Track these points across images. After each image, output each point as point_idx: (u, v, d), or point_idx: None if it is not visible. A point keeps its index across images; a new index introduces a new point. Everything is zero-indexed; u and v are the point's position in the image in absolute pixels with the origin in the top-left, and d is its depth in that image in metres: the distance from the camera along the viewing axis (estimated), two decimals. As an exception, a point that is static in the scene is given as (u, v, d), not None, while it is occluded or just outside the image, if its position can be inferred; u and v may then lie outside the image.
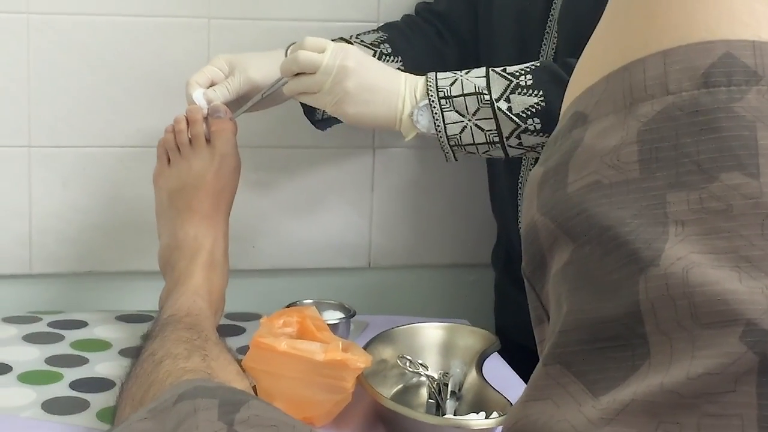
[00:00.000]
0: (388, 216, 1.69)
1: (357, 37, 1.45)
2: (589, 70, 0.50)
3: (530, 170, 1.45)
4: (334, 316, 1.37)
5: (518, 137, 1.25)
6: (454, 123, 1.26)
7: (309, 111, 1.46)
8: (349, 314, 1.39)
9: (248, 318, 1.50)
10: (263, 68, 1.35)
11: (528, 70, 1.26)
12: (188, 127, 1.34)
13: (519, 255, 1.67)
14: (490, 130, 1.25)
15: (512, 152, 1.27)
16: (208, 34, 1.55)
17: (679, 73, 0.45)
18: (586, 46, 0.52)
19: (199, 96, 1.33)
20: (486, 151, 1.28)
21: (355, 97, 1.26)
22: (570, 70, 1.24)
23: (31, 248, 1.56)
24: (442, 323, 1.31)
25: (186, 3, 1.54)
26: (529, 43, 1.40)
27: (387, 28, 1.52)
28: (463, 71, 1.28)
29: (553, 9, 1.37)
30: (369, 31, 1.48)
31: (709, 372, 0.41)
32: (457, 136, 1.26)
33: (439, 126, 1.26)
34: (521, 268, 0.52)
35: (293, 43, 1.33)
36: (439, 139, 1.27)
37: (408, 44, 1.46)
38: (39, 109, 1.52)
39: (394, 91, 1.28)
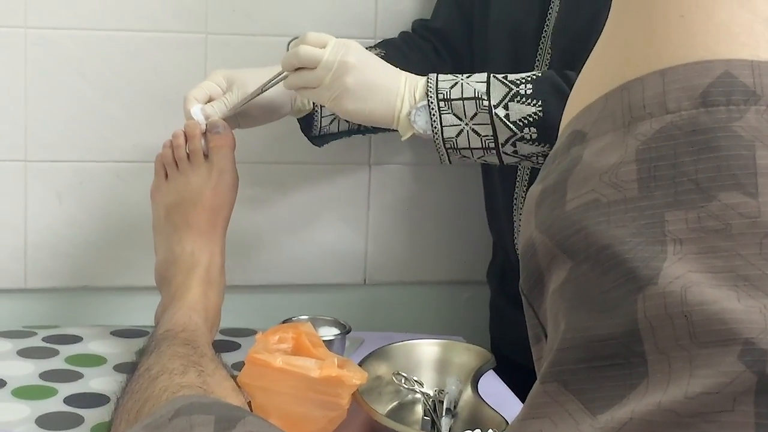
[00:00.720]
0: (384, 232, 1.69)
1: None
2: (587, 88, 0.50)
3: (526, 187, 1.46)
4: (329, 333, 1.37)
5: (514, 145, 1.25)
6: (451, 126, 1.26)
7: (306, 127, 1.46)
8: (345, 330, 1.39)
9: (243, 334, 1.50)
10: (261, 84, 1.35)
11: (529, 79, 1.26)
12: (186, 143, 1.34)
13: (515, 272, 1.66)
14: (486, 136, 1.25)
15: (507, 159, 1.27)
16: (205, 49, 1.55)
17: (677, 92, 0.45)
18: (585, 64, 0.52)
19: (197, 111, 1.33)
20: (481, 157, 1.28)
21: (355, 94, 1.26)
22: (570, 82, 1.24)
23: (26, 263, 1.55)
24: (437, 340, 1.30)
25: (183, 18, 1.54)
26: (522, 59, 1.40)
27: (384, 44, 1.52)
28: (465, 75, 1.28)
29: (547, 26, 1.38)
30: (367, 48, 1.48)
31: (707, 391, 0.41)
32: (453, 139, 1.26)
33: (436, 128, 1.26)
34: (519, 285, 0.52)
35: (295, 38, 1.32)
36: (435, 140, 1.27)
37: (405, 61, 1.46)
38: (35, 123, 1.52)
39: (394, 89, 1.27)
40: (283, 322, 1.36)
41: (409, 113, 1.27)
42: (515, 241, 1.50)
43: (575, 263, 0.46)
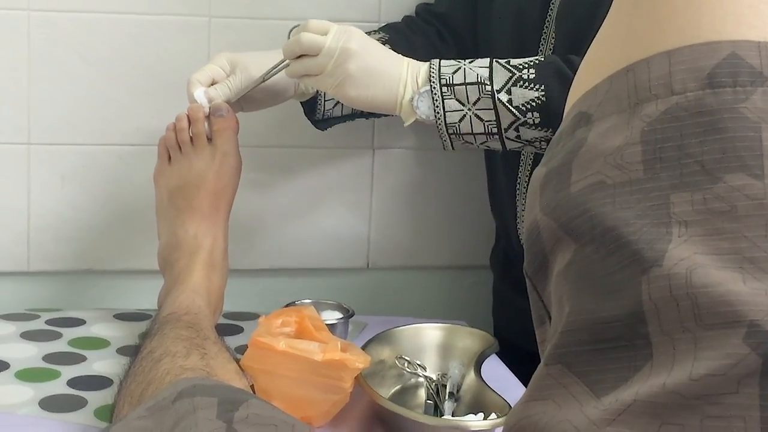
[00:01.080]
0: (387, 217, 1.69)
1: None
2: (592, 70, 0.50)
3: (529, 171, 1.46)
4: (332, 317, 1.37)
5: (516, 130, 1.25)
6: (453, 111, 1.26)
7: (309, 111, 1.46)
8: (348, 314, 1.39)
9: (246, 317, 1.50)
10: (265, 67, 1.35)
11: (531, 63, 1.25)
12: (189, 126, 1.33)
13: (517, 256, 1.67)
14: (489, 121, 1.25)
15: (510, 145, 1.27)
16: (208, 32, 1.55)
17: (683, 74, 0.45)
18: (590, 46, 0.51)
19: (200, 94, 1.33)
20: (483, 142, 1.28)
21: (357, 80, 1.26)
22: (573, 67, 1.24)
23: (30, 246, 1.55)
24: (440, 324, 1.31)
25: (187, 1, 1.54)
26: (526, 43, 1.40)
27: (388, 29, 1.52)
28: (467, 60, 1.27)
29: (551, 10, 1.38)
30: (370, 32, 1.48)
31: (712, 373, 0.40)
32: (456, 125, 1.26)
33: (438, 113, 1.26)
34: (523, 267, 0.52)
35: (296, 26, 1.32)
36: (438, 126, 1.27)
37: (409, 45, 1.46)
38: (38, 106, 1.51)
39: (396, 75, 1.27)
40: (287, 305, 1.36)
41: (412, 99, 1.27)
42: (518, 225, 1.50)
43: (580, 245, 0.46)
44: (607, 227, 0.45)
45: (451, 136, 1.28)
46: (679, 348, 0.42)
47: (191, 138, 1.34)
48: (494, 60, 1.27)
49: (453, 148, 1.30)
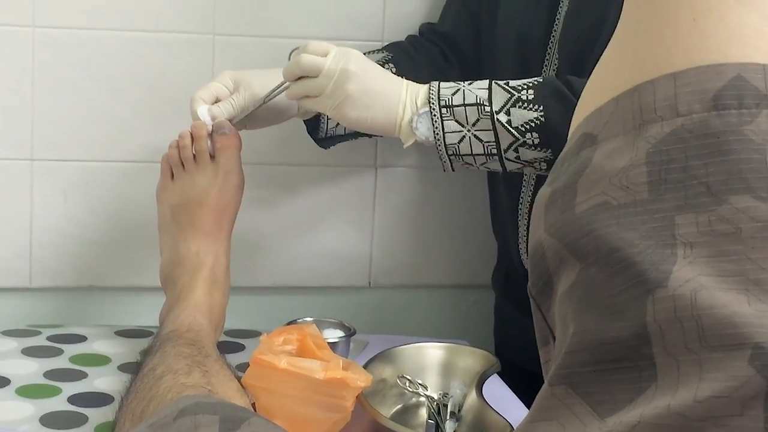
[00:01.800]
0: (389, 235, 1.69)
1: None
2: (598, 91, 0.50)
3: (531, 191, 1.46)
4: (334, 335, 1.37)
5: (516, 150, 1.25)
6: (453, 132, 1.26)
7: (312, 129, 1.46)
8: (349, 333, 1.38)
9: (248, 335, 1.50)
10: (269, 85, 1.35)
11: (530, 85, 1.26)
12: (192, 143, 1.34)
13: (519, 276, 1.66)
14: (489, 142, 1.25)
15: (510, 166, 1.27)
16: (212, 50, 1.55)
17: (689, 96, 0.45)
18: (595, 67, 0.51)
19: (203, 112, 1.33)
20: (483, 163, 1.28)
21: (356, 101, 1.26)
22: (572, 88, 1.23)
23: (32, 261, 1.55)
24: (442, 343, 1.30)
25: (191, 19, 1.54)
26: (530, 63, 1.40)
27: (392, 47, 1.52)
28: (467, 82, 1.28)
29: (554, 30, 1.38)
30: (374, 51, 1.48)
31: (717, 395, 0.40)
32: (456, 146, 1.26)
33: (438, 134, 1.26)
34: (527, 287, 0.52)
35: (296, 48, 1.33)
36: (438, 147, 1.27)
37: (412, 64, 1.46)
38: (42, 122, 1.52)
39: (395, 96, 1.28)
40: (288, 323, 1.36)
41: (411, 120, 1.27)
42: (519, 246, 1.50)
43: (584, 266, 0.46)
44: (611, 248, 0.45)
45: (451, 157, 1.28)
46: (683, 369, 0.42)
47: (194, 155, 1.34)
48: (493, 81, 1.27)
49: (453, 170, 1.30)
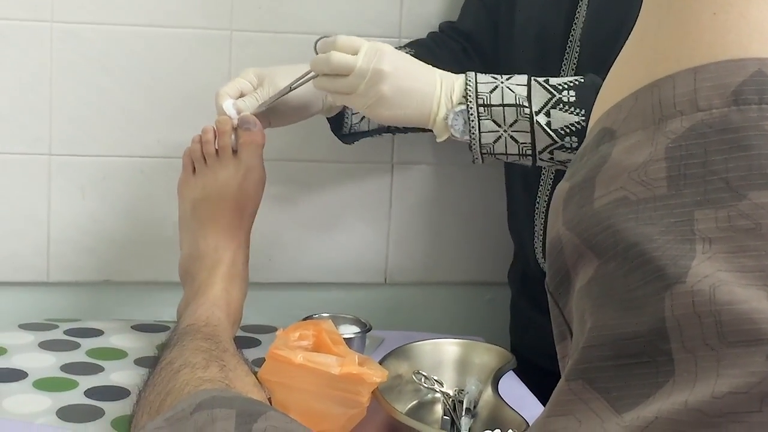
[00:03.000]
0: (406, 232, 1.69)
1: None
2: (617, 86, 0.50)
3: (549, 191, 1.45)
4: (350, 331, 1.37)
5: (551, 153, 1.23)
6: (489, 132, 1.24)
7: (335, 125, 1.46)
8: (365, 329, 1.39)
9: (264, 330, 1.50)
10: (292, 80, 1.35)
11: (572, 85, 1.23)
12: (215, 138, 1.34)
13: (535, 274, 1.65)
14: (525, 143, 1.23)
15: (542, 164, 1.26)
16: (230, 46, 1.55)
17: (709, 90, 0.45)
18: (615, 62, 0.51)
19: (229, 106, 1.33)
20: (515, 161, 1.26)
21: (390, 101, 1.24)
22: None
23: (49, 257, 1.56)
24: (458, 340, 1.30)
25: (209, 15, 1.54)
26: (549, 62, 1.39)
27: (414, 44, 1.52)
28: (504, 77, 1.25)
29: (573, 29, 1.37)
30: (397, 48, 1.48)
31: (735, 391, 0.40)
32: (491, 146, 1.24)
33: (474, 133, 1.24)
34: (545, 282, 0.52)
35: (322, 37, 1.30)
36: (472, 146, 1.25)
37: (434, 60, 1.46)
38: (60, 117, 1.52)
39: (429, 93, 1.25)
40: (304, 319, 1.36)
41: (446, 117, 1.25)
42: (536, 247, 1.49)
43: (602, 261, 0.46)
44: (630, 243, 0.45)
45: (483, 156, 1.26)
46: (701, 365, 0.42)
47: (216, 150, 1.34)
48: (533, 79, 1.24)
49: (483, 162, 1.28)
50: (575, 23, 1.37)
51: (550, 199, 1.46)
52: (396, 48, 1.47)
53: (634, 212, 0.45)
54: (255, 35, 1.56)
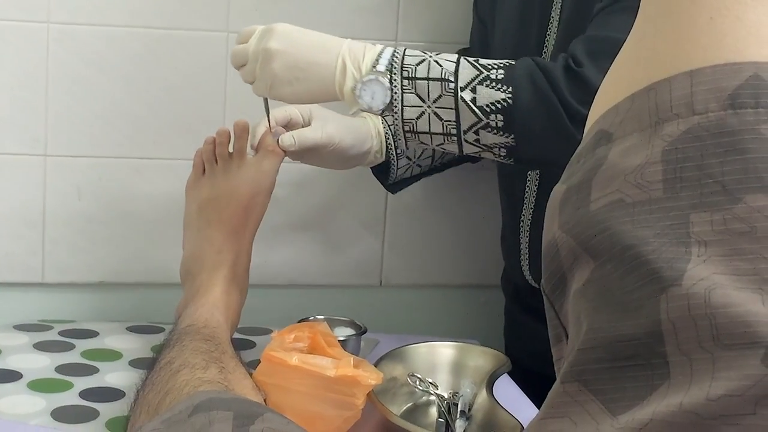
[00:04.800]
0: (401, 235, 1.70)
1: None
2: (614, 88, 0.50)
3: (531, 210, 1.45)
4: (345, 333, 1.37)
5: (476, 133, 1.19)
6: (412, 106, 1.19)
7: (382, 176, 1.46)
8: (360, 331, 1.39)
9: (259, 332, 1.50)
10: (346, 126, 1.35)
11: (502, 65, 1.20)
12: (229, 141, 1.34)
13: (525, 289, 1.63)
14: (449, 121, 1.19)
15: (467, 149, 1.21)
16: (226, 48, 1.55)
17: (705, 94, 0.45)
18: (612, 65, 0.52)
19: (277, 129, 1.33)
20: (440, 144, 1.22)
21: (286, 77, 1.22)
22: (547, 72, 1.20)
23: (44, 257, 1.56)
24: (453, 343, 1.30)
25: (205, 16, 1.55)
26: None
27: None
28: (435, 53, 1.22)
29: (545, 49, 1.37)
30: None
31: (730, 394, 0.40)
32: (413, 122, 1.20)
33: (396, 107, 1.20)
34: (540, 285, 0.52)
35: None
36: (394, 120, 1.21)
37: None
38: (56, 118, 1.52)
39: (329, 64, 1.22)
40: (300, 321, 1.36)
41: (354, 88, 1.21)
42: (522, 263, 1.49)
43: (598, 263, 0.46)
44: (626, 245, 0.45)
45: (407, 134, 1.21)
46: (696, 368, 0.42)
47: (230, 153, 1.34)
48: (462, 57, 1.21)
49: (407, 148, 1.24)
50: (546, 42, 1.37)
51: (533, 218, 1.45)
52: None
53: (630, 215, 0.45)
54: (251, 37, 1.56)
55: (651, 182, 0.45)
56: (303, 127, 1.35)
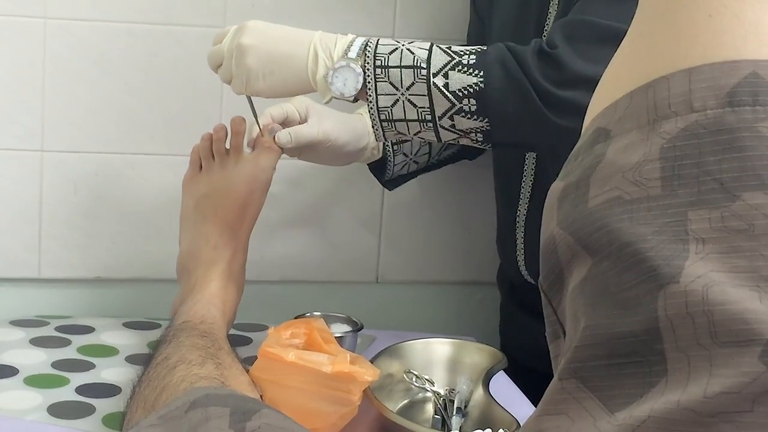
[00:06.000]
0: (397, 231, 1.70)
1: None
2: (612, 86, 0.50)
3: (526, 206, 1.45)
4: (341, 329, 1.37)
5: (451, 119, 1.19)
6: (386, 95, 1.20)
7: (378, 173, 1.46)
8: (357, 328, 1.39)
9: (255, 329, 1.50)
10: (342, 124, 1.35)
11: (474, 51, 1.20)
12: (227, 137, 1.34)
13: (521, 286, 1.62)
14: (423, 108, 1.19)
15: (444, 135, 1.21)
16: (223, 44, 1.55)
17: (703, 91, 0.45)
18: (611, 62, 0.52)
19: (274, 126, 1.33)
20: (417, 132, 1.21)
21: (260, 71, 1.23)
22: (518, 56, 1.21)
23: (41, 253, 1.56)
24: (449, 339, 1.30)
25: (202, 13, 1.54)
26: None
27: None
28: (407, 41, 1.22)
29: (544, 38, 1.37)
30: None
31: (727, 391, 0.40)
32: (389, 110, 1.20)
33: (371, 96, 1.20)
34: (538, 281, 0.52)
35: None
36: (370, 110, 1.21)
37: None
38: (52, 113, 1.52)
39: (301, 54, 1.22)
40: (296, 317, 1.36)
41: (326, 75, 1.21)
42: (518, 259, 1.49)
43: (596, 260, 0.46)
44: (624, 243, 0.45)
45: (383, 123, 1.21)
46: (694, 365, 0.42)
47: (227, 149, 1.34)
48: (435, 44, 1.21)
49: (385, 138, 1.24)
50: (543, 38, 1.37)
51: (528, 215, 1.46)
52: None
53: (628, 212, 0.45)
54: (248, 33, 1.56)
55: (649, 180, 0.45)
56: (300, 123, 1.35)
